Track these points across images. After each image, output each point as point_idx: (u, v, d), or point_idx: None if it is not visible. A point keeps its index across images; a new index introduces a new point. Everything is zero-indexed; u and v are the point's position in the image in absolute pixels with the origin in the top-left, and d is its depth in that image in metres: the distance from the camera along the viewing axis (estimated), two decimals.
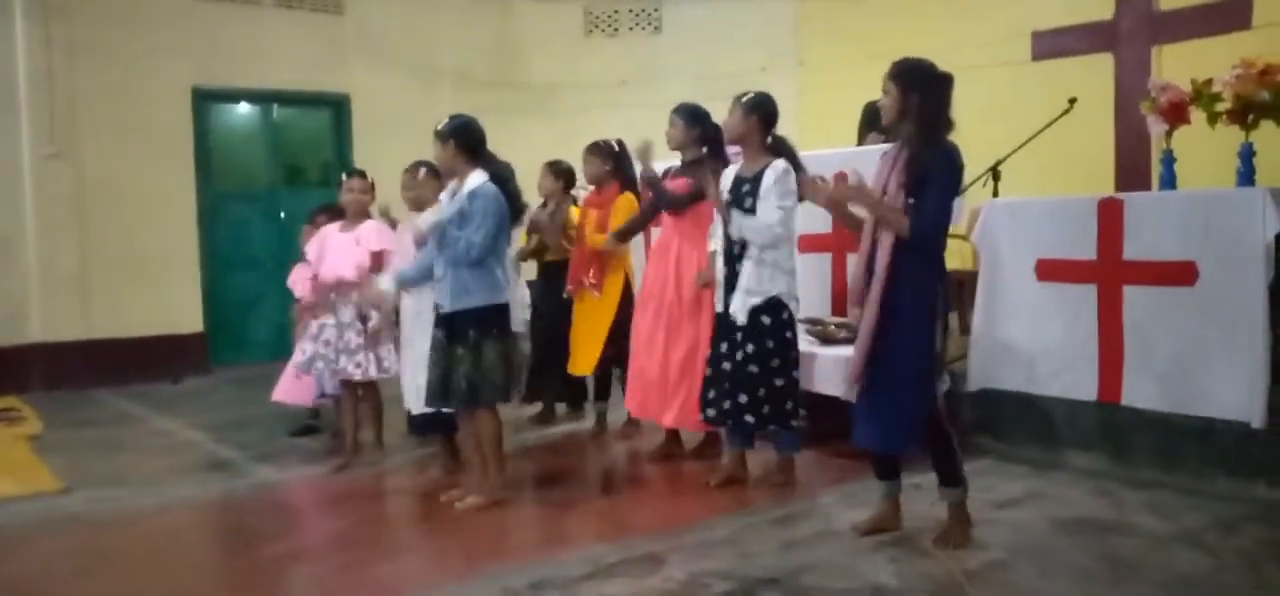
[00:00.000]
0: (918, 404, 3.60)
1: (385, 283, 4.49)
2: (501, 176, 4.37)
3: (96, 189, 8.25)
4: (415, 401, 4.82)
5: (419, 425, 5.07)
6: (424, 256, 4.46)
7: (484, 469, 4.46)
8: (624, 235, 5.50)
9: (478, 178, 4.30)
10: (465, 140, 4.33)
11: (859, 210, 3.75)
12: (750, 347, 4.45)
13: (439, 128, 4.35)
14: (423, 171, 4.92)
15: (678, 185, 4.98)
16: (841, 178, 4.84)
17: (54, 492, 4.94)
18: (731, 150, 4.87)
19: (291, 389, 5.89)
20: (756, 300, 4.42)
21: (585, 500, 4.67)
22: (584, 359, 5.76)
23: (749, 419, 4.49)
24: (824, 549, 3.75)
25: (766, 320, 4.44)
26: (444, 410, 4.59)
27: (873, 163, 4.14)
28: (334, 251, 5.28)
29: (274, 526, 4.43)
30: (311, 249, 5.44)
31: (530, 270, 6.51)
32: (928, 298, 3.59)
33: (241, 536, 4.36)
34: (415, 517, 4.37)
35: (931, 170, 3.53)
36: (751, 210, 4.42)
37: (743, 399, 4.47)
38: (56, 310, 8.13)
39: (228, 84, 9.01)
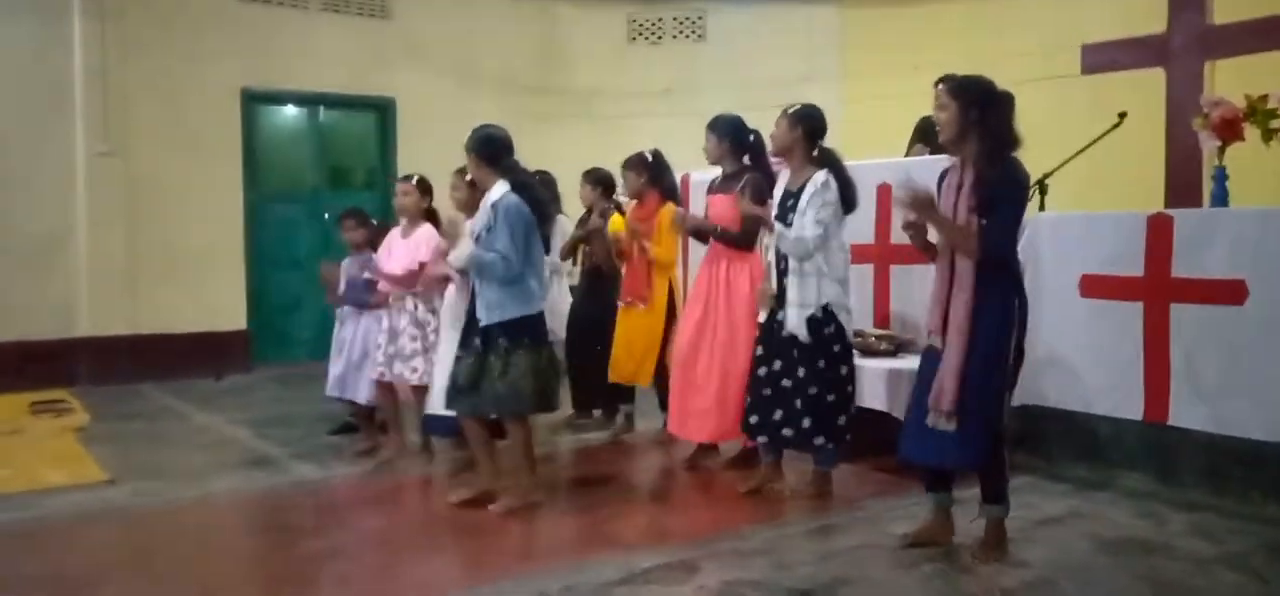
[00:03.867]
0: (993, 418, 3.58)
1: (462, 251, 4.35)
2: (522, 183, 4.38)
3: (146, 187, 8.42)
4: (438, 401, 4.79)
5: (435, 425, 4.99)
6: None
7: (491, 473, 4.51)
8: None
9: (499, 189, 4.33)
10: (485, 151, 4.38)
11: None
12: (818, 363, 4.40)
13: (466, 142, 4.42)
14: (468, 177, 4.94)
15: (723, 208, 4.94)
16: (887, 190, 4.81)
17: (100, 484, 5.03)
18: (775, 161, 4.84)
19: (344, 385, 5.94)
20: (810, 311, 4.37)
21: (620, 506, 4.67)
22: (640, 369, 5.73)
23: (804, 432, 4.45)
24: (860, 561, 3.71)
25: (818, 333, 4.39)
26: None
27: (915, 174, 4.11)
28: (396, 257, 5.35)
29: (313, 523, 4.47)
30: (382, 251, 5.51)
31: (572, 277, 6.54)
32: (1005, 314, 3.56)
33: (281, 532, 4.41)
34: (451, 519, 4.39)
35: (999, 190, 3.50)
36: (791, 224, 4.40)
37: (797, 412, 4.43)
38: (105, 305, 8.30)
39: (275, 86, 9.17)
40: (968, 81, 3.60)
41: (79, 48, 8.17)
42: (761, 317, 4.58)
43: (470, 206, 4.81)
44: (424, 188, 5.44)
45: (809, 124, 4.48)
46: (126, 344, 8.30)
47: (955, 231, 3.54)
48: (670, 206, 5.60)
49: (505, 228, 4.23)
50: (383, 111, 9.73)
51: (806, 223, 4.33)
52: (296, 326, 9.28)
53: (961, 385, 3.53)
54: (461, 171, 5.00)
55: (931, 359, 3.69)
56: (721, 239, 4.95)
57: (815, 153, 4.48)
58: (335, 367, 5.69)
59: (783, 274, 4.46)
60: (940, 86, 3.68)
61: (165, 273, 8.49)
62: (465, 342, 4.42)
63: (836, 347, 4.46)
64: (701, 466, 5.22)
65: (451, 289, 4.87)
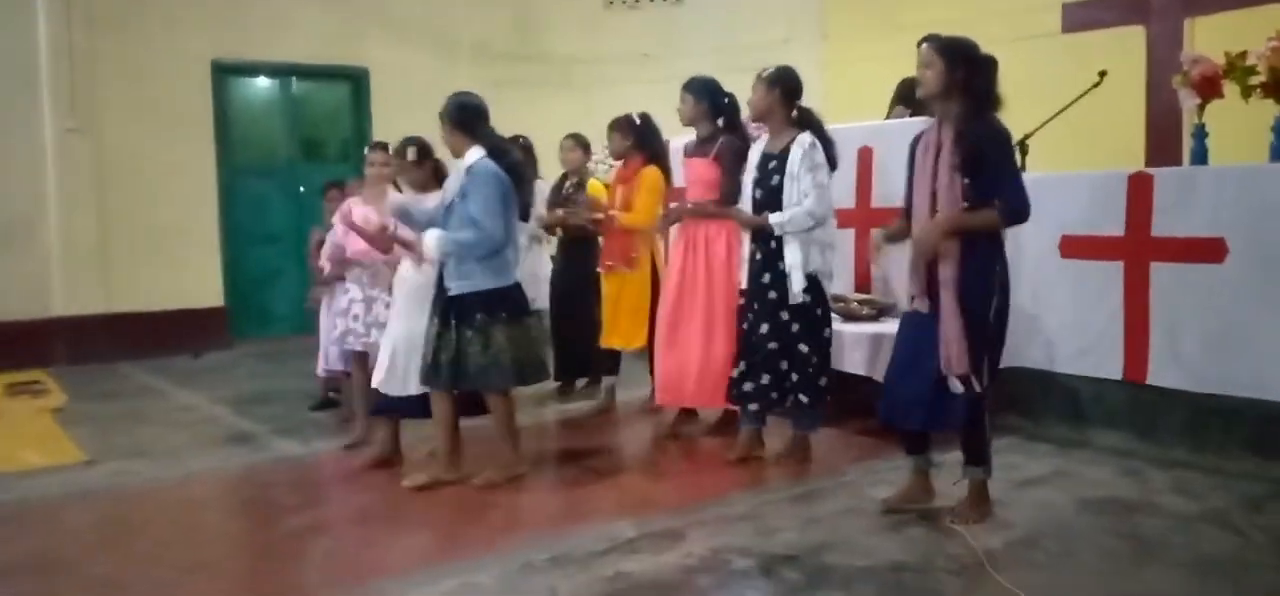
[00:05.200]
0: (980, 380, 3.57)
1: (431, 240, 4.22)
2: (498, 149, 4.31)
3: (117, 163, 8.28)
4: (385, 379, 4.60)
5: (384, 405, 4.71)
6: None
7: (449, 451, 4.41)
8: (669, 221, 5.34)
9: (474, 154, 4.26)
10: (458, 118, 4.31)
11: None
12: (798, 326, 4.42)
13: (441, 109, 4.35)
14: (410, 150, 4.74)
15: (701, 171, 4.91)
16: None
17: (78, 465, 4.98)
18: (753, 127, 4.81)
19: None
20: (803, 278, 4.37)
21: (604, 476, 4.66)
22: (630, 333, 5.65)
23: (789, 396, 4.47)
24: (844, 526, 3.72)
25: (808, 297, 4.40)
26: (406, 395, 4.53)
27: (896, 137, 4.09)
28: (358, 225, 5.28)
29: (295, 500, 4.44)
30: (337, 222, 5.44)
31: (550, 245, 6.50)
32: (987, 279, 3.55)
33: (263, 509, 4.39)
34: (435, 493, 4.37)
35: (987, 145, 3.48)
36: (778, 186, 4.38)
37: (786, 377, 4.45)
38: (78, 284, 8.19)
39: (247, 58, 9.03)
40: (955, 41, 3.57)
41: (43, 23, 7.99)
42: (742, 283, 4.56)
43: (421, 184, 4.70)
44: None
45: (786, 85, 4.46)
46: (102, 323, 8.19)
47: (975, 222, 3.49)
48: (652, 169, 5.54)
49: (480, 193, 4.16)
50: (356, 81, 9.60)
51: (806, 187, 4.31)
52: (274, 301, 9.19)
53: (964, 345, 3.50)
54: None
55: (913, 322, 3.69)
56: (698, 213, 4.91)
57: (794, 114, 4.46)
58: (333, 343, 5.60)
59: (770, 237, 4.43)
60: (925, 44, 3.64)
61: (139, 250, 8.37)
62: (440, 316, 4.34)
63: (820, 311, 4.48)
64: (683, 434, 5.21)
65: (405, 263, 4.68)
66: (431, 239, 4.19)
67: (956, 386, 3.55)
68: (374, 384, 4.70)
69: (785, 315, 4.43)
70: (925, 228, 3.58)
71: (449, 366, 4.26)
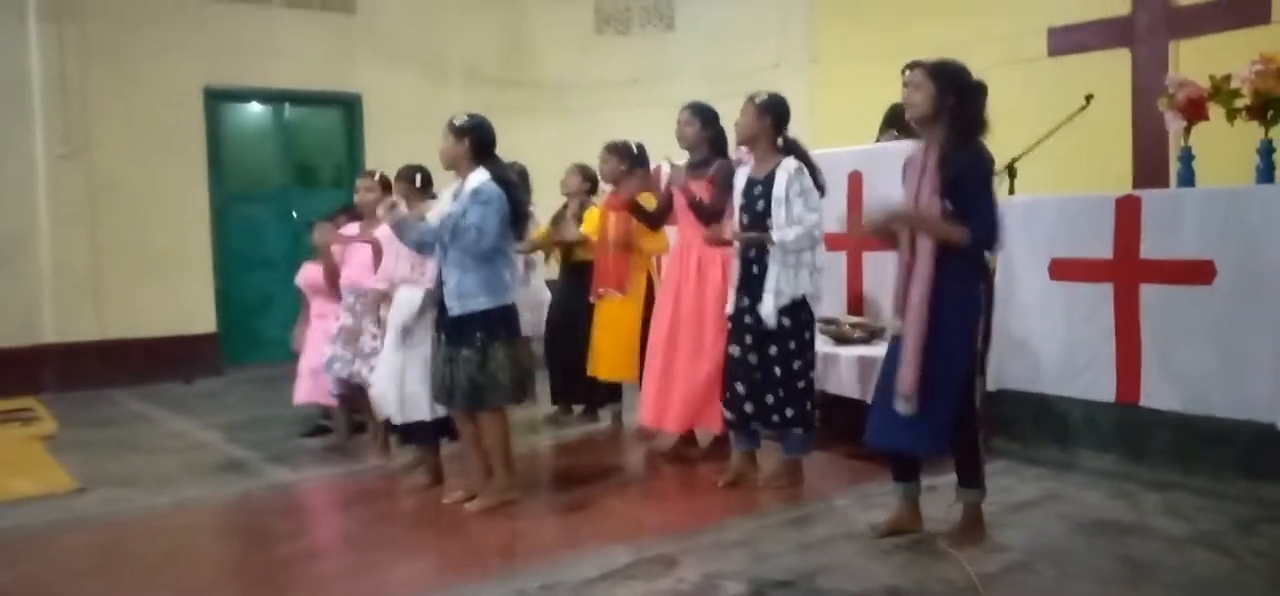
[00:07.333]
0: (957, 405, 3.56)
1: (441, 207, 4.33)
2: (506, 178, 4.36)
3: (109, 189, 8.28)
4: (396, 409, 4.72)
5: (405, 432, 4.89)
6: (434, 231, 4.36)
7: (485, 470, 4.46)
8: (646, 219, 5.40)
9: (480, 176, 4.30)
10: (479, 139, 4.35)
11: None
12: (775, 349, 4.43)
13: (457, 122, 4.37)
14: (417, 177, 4.94)
15: (701, 191, 4.92)
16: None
17: (69, 492, 4.95)
18: (739, 151, 4.83)
19: (310, 389, 5.87)
20: (785, 300, 4.38)
21: (598, 501, 4.65)
22: (619, 364, 5.66)
23: (775, 419, 4.49)
24: (838, 550, 3.72)
25: (788, 321, 4.42)
26: (427, 419, 4.65)
27: (886, 161, 4.11)
28: (353, 254, 5.31)
29: (287, 527, 4.43)
30: (336, 247, 5.49)
31: (551, 270, 6.51)
32: (971, 298, 3.55)
33: (255, 537, 4.37)
34: (428, 519, 4.37)
35: (968, 171, 3.49)
36: (763, 212, 4.40)
37: (769, 400, 4.47)
38: (70, 310, 8.16)
39: (239, 84, 9.03)
40: (945, 65, 3.58)
41: (36, 50, 8.00)
42: (730, 308, 4.58)
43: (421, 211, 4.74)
44: (385, 184, 5.41)
45: (776, 113, 4.49)
46: (93, 349, 8.16)
47: (943, 229, 3.51)
48: (645, 196, 5.56)
49: (483, 211, 4.19)
50: (349, 107, 9.62)
51: (799, 211, 4.34)
52: (267, 327, 9.16)
53: (921, 370, 3.51)
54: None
55: (897, 346, 3.70)
56: (696, 207, 4.89)
57: (780, 141, 4.49)
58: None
59: (752, 261, 4.46)
60: (915, 69, 3.66)
61: (131, 275, 8.35)
62: (443, 337, 4.38)
63: (807, 335, 4.49)
64: (683, 457, 5.21)
65: (403, 289, 4.77)
66: (438, 210, 4.27)
67: (901, 406, 3.54)
68: (392, 418, 4.81)
69: (765, 338, 4.44)
70: (898, 208, 3.62)
71: (442, 386, 4.35)
